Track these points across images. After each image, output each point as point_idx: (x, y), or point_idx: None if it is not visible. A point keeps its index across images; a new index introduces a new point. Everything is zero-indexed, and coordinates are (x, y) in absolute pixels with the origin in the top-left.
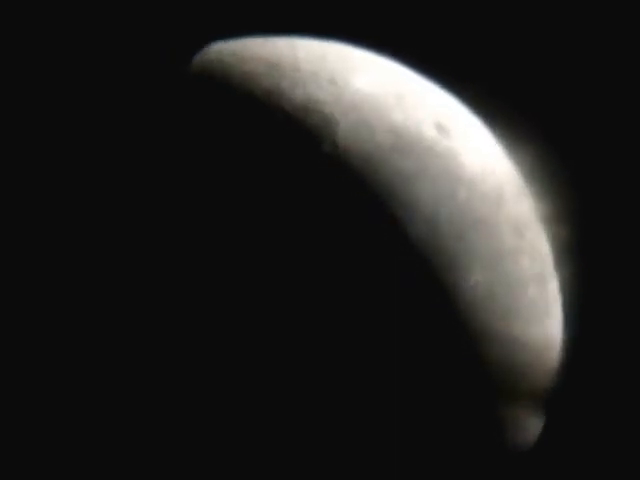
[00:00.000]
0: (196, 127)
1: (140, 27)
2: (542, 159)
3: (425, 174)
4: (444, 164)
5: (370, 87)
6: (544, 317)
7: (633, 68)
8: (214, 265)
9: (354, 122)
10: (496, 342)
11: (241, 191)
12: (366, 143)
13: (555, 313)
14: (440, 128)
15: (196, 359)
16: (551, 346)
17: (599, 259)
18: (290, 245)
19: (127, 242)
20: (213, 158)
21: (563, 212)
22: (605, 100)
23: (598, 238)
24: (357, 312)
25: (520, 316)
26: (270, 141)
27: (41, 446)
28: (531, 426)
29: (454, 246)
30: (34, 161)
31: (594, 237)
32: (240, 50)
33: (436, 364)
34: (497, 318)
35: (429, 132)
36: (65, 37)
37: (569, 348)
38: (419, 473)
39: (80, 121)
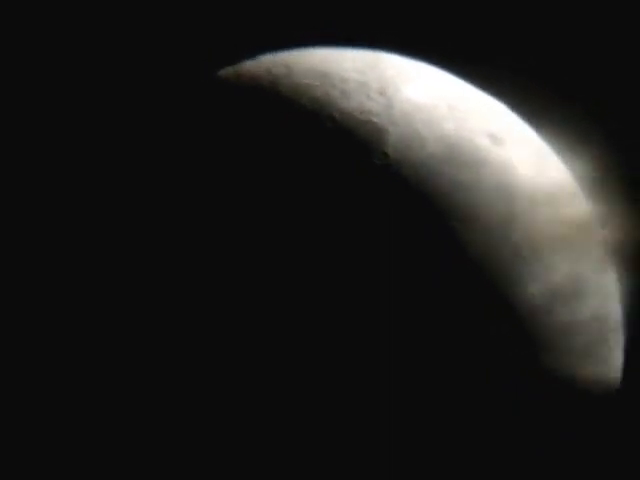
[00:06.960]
0: (244, 138)
1: (187, 38)
2: (600, 167)
3: (479, 184)
4: (498, 174)
5: (421, 97)
6: (606, 332)
7: None
8: (259, 271)
9: (405, 132)
10: (556, 353)
11: (291, 202)
12: (417, 154)
13: (616, 325)
14: (493, 138)
15: (196, 359)
16: (613, 356)
17: None
18: (341, 257)
19: (161, 244)
20: (261, 169)
21: (622, 220)
22: None
23: None
24: (413, 323)
25: (581, 331)
26: (320, 152)
27: (41, 446)
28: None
29: (510, 257)
30: (66, 165)
31: None
32: (289, 61)
33: (493, 371)
34: (557, 332)
35: (482, 142)
36: (115, 42)
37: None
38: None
39: (130, 126)
